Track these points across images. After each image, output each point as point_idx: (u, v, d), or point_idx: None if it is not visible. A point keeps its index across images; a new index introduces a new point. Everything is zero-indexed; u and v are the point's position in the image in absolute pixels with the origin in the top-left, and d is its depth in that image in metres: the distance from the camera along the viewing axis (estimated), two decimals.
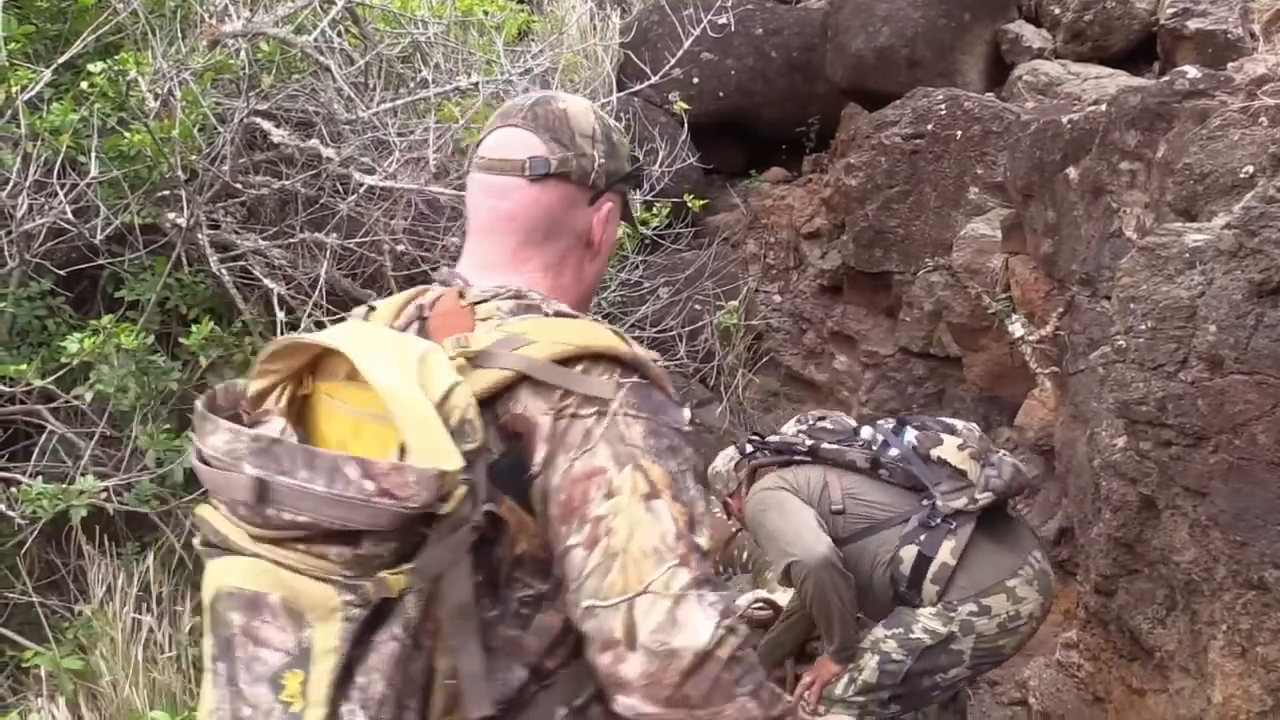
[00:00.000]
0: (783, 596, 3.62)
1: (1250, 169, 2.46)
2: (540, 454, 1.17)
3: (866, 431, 2.83)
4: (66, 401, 3.09)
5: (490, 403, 1.16)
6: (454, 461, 1.08)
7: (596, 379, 1.19)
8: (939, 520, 2.61)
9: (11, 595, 3.04)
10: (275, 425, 1.20)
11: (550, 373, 1.17)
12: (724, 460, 3.09)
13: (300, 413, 1.25)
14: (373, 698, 1.09)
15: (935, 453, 2.69)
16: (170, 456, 2.84)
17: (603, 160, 1.38)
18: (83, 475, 2.68)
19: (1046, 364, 3.47)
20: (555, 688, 1.22)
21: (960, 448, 2.69)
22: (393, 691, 1.10)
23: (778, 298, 5.45)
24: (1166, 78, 2.93)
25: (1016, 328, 3.56)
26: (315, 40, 3.28)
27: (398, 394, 1.11)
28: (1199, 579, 2.42)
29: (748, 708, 1.13)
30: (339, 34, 3.63)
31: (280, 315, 3.10)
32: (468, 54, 3.70)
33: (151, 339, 3.02)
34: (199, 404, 1.22)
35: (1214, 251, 2.26)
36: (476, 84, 3.31)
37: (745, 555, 4.10)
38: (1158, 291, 2.34)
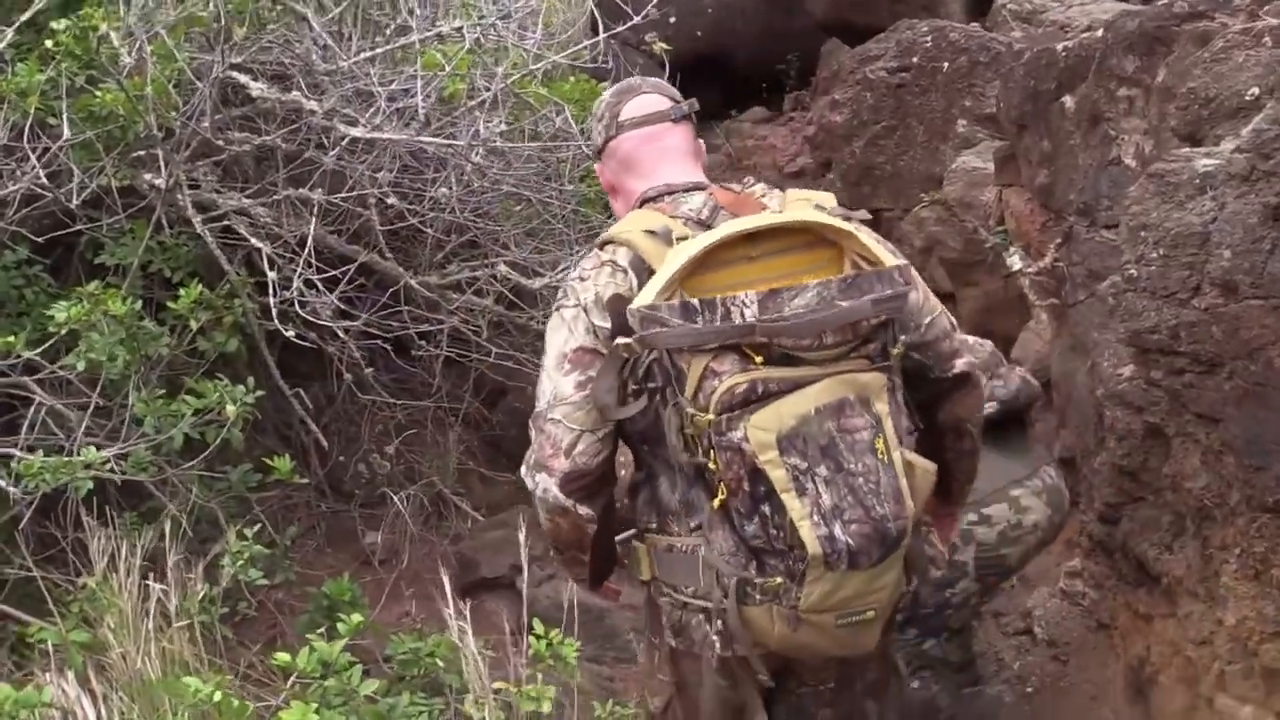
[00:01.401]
0: None
1: (1256, 90, 2.42)
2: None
3: None
4: (52, 372, 3.01)
5: None
6: (901, 260, 1.76)
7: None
8: None
9: (10, 571, 2.99)
10: (800, 291, 1.64)
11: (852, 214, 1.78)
12: None
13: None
14: (900, 429, 1.70)
15: None
16: (169, 423, 2.78)
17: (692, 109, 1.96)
18: (88, 444, 2.62)
19: (1045, 296, 3.46)
20: None
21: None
22: (907, 422, 1.76)
23: None
24: (1163, 0, 2.89)
25: (1014, 260, 3.55)
26: None
27: (858, 231, 1.69)
28: (1211, 505, 2.43)
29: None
30: None
31: (271, 274, 3.03)
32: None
33: (139, 304, 2.94)
34: (665, 303, 1.63)
35: (1225, 176, 2.24)
36: (460, 29, 3.20)
37: None
38: (1169, 218, 2.32)
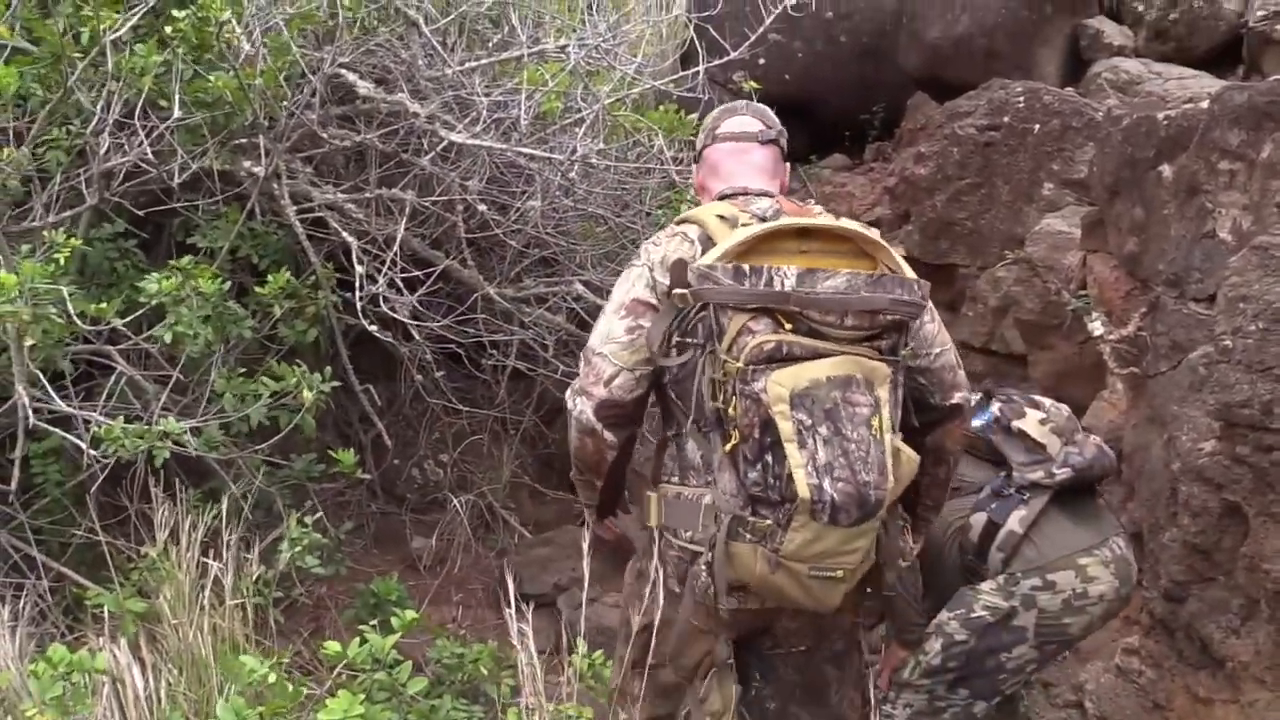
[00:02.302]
0: None
1: None
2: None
3: None
4: (135, 344, 3.08)
5: None
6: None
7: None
8: (1012, 490, 2.56)
9: (76, 534, 3.04)
10: (836, 274, 1.91)
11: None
12: None
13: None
14: (895, 421, 1.95)
15: (1016, 425, 2.63)
16: (247, 402, 2.82)
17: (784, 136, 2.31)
18: (162, 416, 2.66)
19: (1124, 365, 3.41)
20: None
21: (1042, 422, 2.64)
22: (900, 415, 1.99)
23: None
24: (1276, 77, 2.86)
25: (1096, 325, 3.50)
26: None
27: (889, 250, 1.96)
28: None
29: None
30: None
31: (360, 269, 3.07)
32: (550, 19, 3.66)
33: (228, 284, 3.00)
34: (724, 264, 1.93)
35: None
36: (564, 48, 3.26)
37: None
38: (1270, 292, 2.29)
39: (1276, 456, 2.31)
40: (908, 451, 1.96)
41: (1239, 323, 2.33)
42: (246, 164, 3.33)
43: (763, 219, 2.04)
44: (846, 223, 1.99)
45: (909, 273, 1.96)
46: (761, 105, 2.34)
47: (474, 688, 2.97)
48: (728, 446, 1.95)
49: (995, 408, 2.70)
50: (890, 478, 1.90)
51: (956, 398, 2.18)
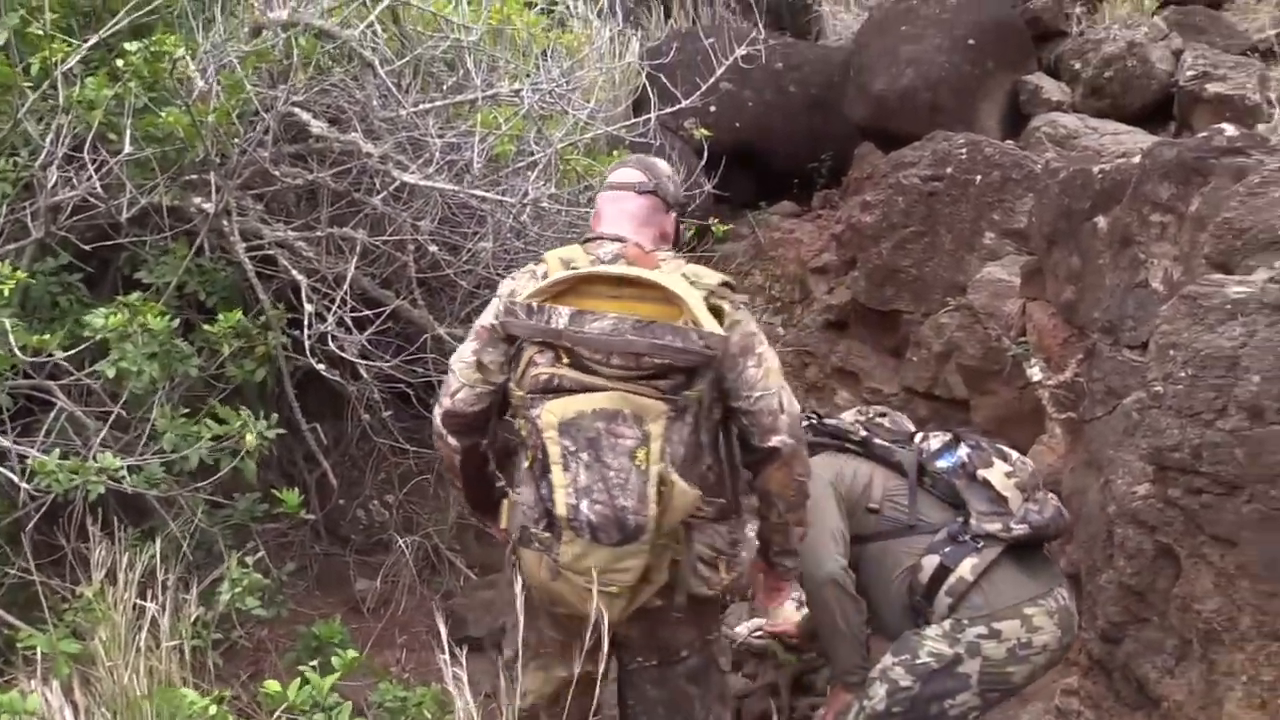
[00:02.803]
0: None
1: None
2: (726, 325, 2.19)
3: (920, 438, 2.82)
4: (76, 380, 3.03)
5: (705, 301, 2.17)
6: (721, 331, 2.14)
7: (733, 294, 2.28)
8: (968, 537, 2.59)
9: (10, 573, 2.96)
10: (603, 317, 2.12)
11: (720, 290, 2.24)
12: None
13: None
14: (675, 456, 2.11)
15: (982, 474, 2.67)
16: (186, 442, 2.79)
17: (674, 191, 2.50)
18: (101, 453, 2.62)
19: (1062, 410, 3.49)
20: (706, 450, 2.24)
21: (1008, 475, 2.68)
22: (685, 452, 2.13)
23: (781, 330, 5.46)
24: (1204, 134, 2.98)
25: (1035, 371, 3.59)
26: (358, 37, 3.27)
27: (691, 298, 2.13)
28: (1220, 629, 2.43)
29: (807, 458, 2.33)
30: (375, 34, 3.61)
31: (309, 307, 3.06)
32: (504, 63, 3.70)
33: (176, 322, 2.97)
34: (525, 302, 2.21)
35: (1257, 304, 2.30)
36: (519, 92, 3.30)
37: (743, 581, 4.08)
38: (1199, 340, 2.37)
39: (1206, 499, 2.38)
40: (682, 486, 2.12)
41: (1169, 369, 2.41)
42: (196, 200, 3.32)
43: (603, 262, 2.28)
44: (659, 275, 2.17)
45: (707, 325, 2.11)
46: (654, 160, 2.56)
47: None
48: (528, 463, 2.24)
49: (963, 452, 2.74)
50: (650, 505, 2.08)
51: (774, 441, 2.24)
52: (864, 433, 2.83)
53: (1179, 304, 2.44)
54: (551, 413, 2.11)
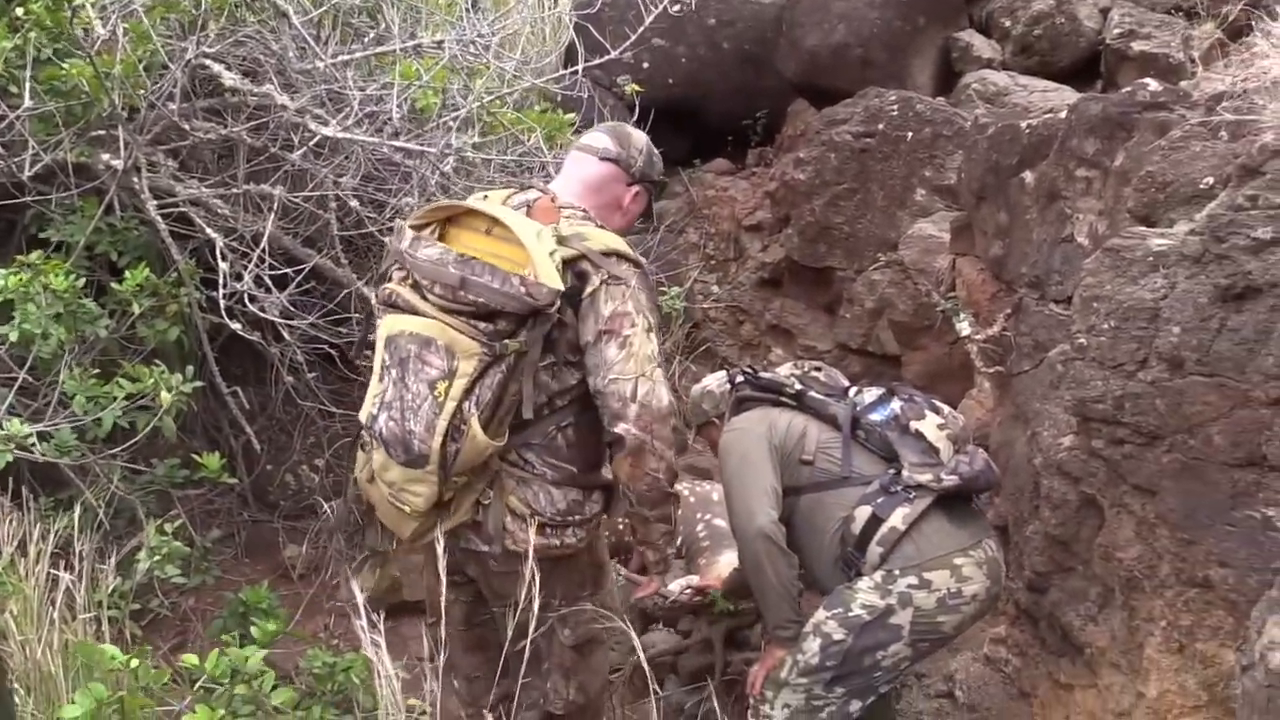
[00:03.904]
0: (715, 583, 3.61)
1: (1210, 180, 2.52)
2: (590, 290, 2.17)
3: (854, 392, 2.83)
4: None
5: (570, 261, 2.15)
6: (558, 285, 2.08)
7: (620, 266, 2.20)
8: (900, 488, 2.60)
9: None
10: (435, 245, 2.16)
11: (599, 258, 2.19)
12: (716, 381, 3.18)
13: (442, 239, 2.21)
14: (481, 401, 2.10)
15: (915, 425, 2.68)
16: (98, 405, 2.68)
17: (642, 165, 2.46)
18: (8, 420, 2.51)
19: (990, 364, 3.52)
20: (554, 415, 2.25)
21: (940, 427, 2.69)
22: (491, 398, 2.11)
23: (716, 288, 5.45)
24: (1128, 89, 3.00)
25: (964, 326, 3.61)
26: None
27: (533, 247, 2.09)
28: (1141, 576, 2.48)
29: (669, 456, 2.23)
30: None
31: (223, 266, 2.96)
32: (428, 14, 3.59)
33: (81, 282, 2.85)
34: (406, 224, 2.24)
35: (1178, 256, 2.32)
36: (441, 43, 3.20)
37: (679, 541, 4.08)
38: (1121, 292, 2.38)
39: (1128, 449, 2.41)
40: (476, 431, 2.11)
41: (1093, 321, 2.43)
42: (105, 156, 3.18)
43: (514, 208, 2.33)
44: (513, 219, 2.17)
45: (545, 276, 2.07)
46: (630, 131, 2.51)
47: (346, 698, 2.88)
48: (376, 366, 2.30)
49: (896, 405, 2.75)
50: (436, 437, 2.10)
51: (618, 428, 2.18)
52: (799, 386, 2.82)
53: (1102, 257, 2.45)
54: (384, 326, 2.20)
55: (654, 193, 2.56)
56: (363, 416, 2.23)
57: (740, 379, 2.96)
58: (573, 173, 2.44)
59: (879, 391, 2.84)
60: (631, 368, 2.16)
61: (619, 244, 2.26)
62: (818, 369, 2.97)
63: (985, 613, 2.78)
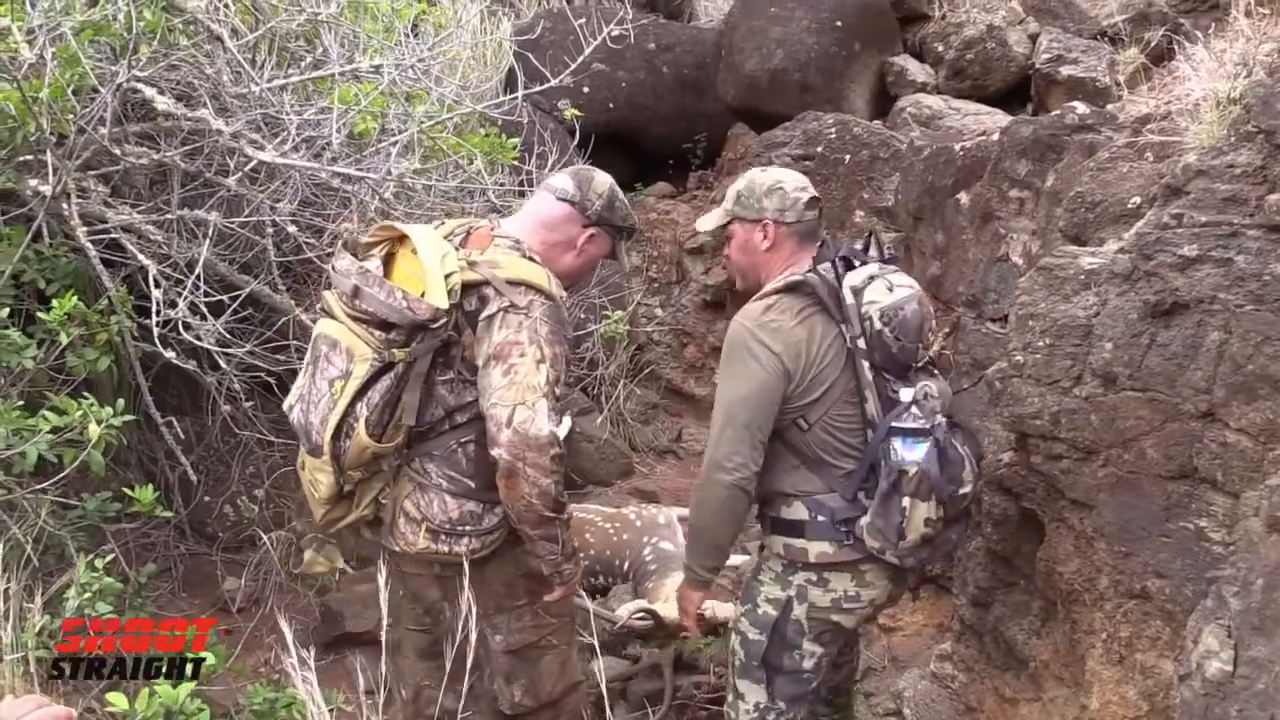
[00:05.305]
0: (663, 608, 3.59)
1: (1138, 199, 2.59)
2: (488, 314, 2.24)
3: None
4: None
5: (474, 285, 2.26)
6: (444, 304, 2.19)
7: (526, 297, 2.25)
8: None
9: None
10: (374, 263, 2.32)
11: (502, 286, 2.26)
12: (797, 186, 2.70)
13: (388, 260, 2.37)
14: (371, 404, 2.23)
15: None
16: (24, 437, 2.60)
17: (600, 208, 2.48)
18: None
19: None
20: (455, 430, 2.34)
21: None
22: (380, 402, 2.23)
23: (659, 311, 5.46)
24: (1058, 112, 3.07)
25: None
26: (205, 8, 3.10)
27: (431, 267, 2.22)
28: (1081, 589, 2.51)
29: (544, 483, 2.21)
30: (227, 6, 3.44)
31: (156, 293, 2.89)
32: (365, 39, 3.57)
33: (5, 313, 2.77)
34: (356, 238, 2.42)
35: (1108, 274, 2.37)
36: (378, 68, 3.18)
37: (626, 565, 4.06)
38: (1055, 310, 2.43)
39: (1065, 464, 2.45)
40: (360, 433, 2.25)
41: (1028, 339, 2.47)
42: (33, 182, 3.10)
43: (456, 236, 2.46)
44: (421, 239, 2.29)
45: (432, 295, 2.20)
46: (594, 175, 2.52)
47: None
48: None
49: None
50: (327, 431, 2.24)
51: (494, 451, 2.21)
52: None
53: (1036, 276, 2.50)
54: (316, 327, 2.37)
55: (618, 237, 2.56)
56: (285, 406, 2.41)
57: (826, 266, 2.57)
58: (531, 209, 2.53)
59: None
60: (511, 395, 2.19)
61: (532, 275, 2.28)
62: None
63: (882, 610, 2.73)
